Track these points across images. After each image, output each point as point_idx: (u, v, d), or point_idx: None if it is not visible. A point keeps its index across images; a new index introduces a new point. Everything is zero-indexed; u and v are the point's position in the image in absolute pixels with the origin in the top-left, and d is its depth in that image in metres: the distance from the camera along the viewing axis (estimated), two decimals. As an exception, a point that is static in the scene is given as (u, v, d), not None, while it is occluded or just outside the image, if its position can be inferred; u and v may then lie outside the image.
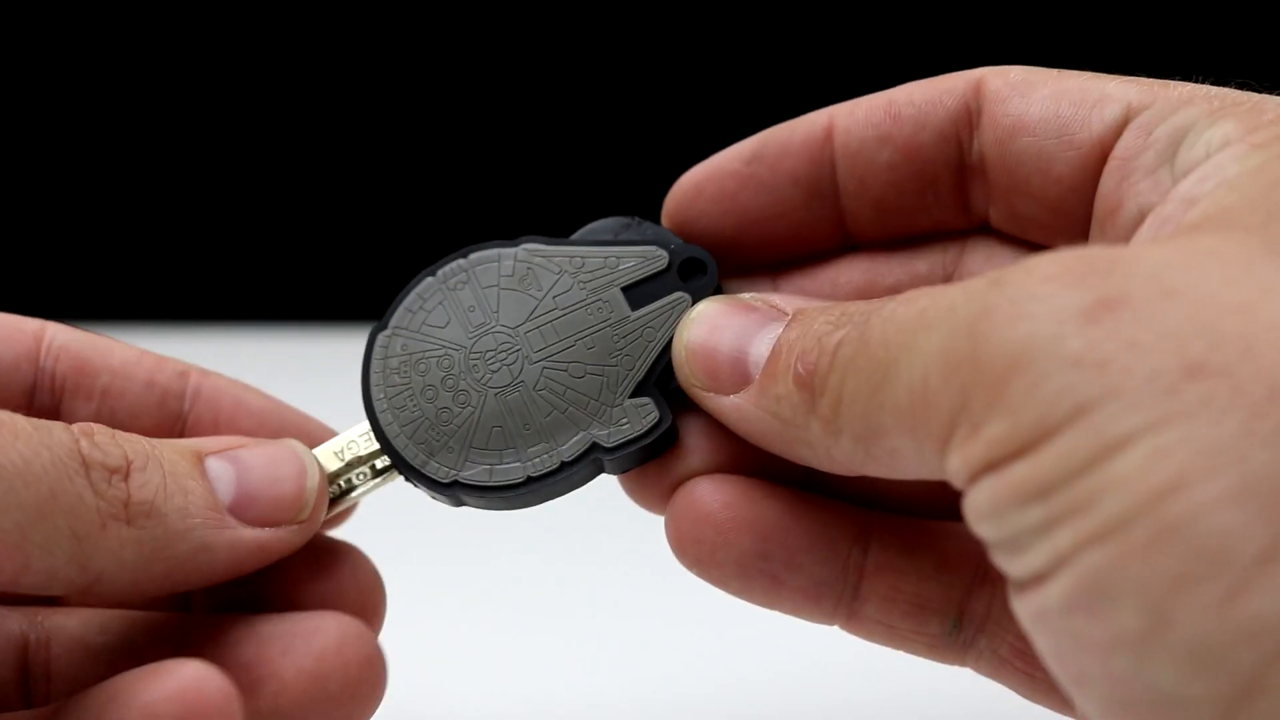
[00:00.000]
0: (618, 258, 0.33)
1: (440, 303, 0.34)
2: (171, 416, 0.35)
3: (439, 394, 0.33)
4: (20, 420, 0.28)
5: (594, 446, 0.32)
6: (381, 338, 0.33)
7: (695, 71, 0.82)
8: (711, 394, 0.31)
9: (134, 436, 0.30)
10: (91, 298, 0.83)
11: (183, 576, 0.30)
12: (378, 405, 0.33)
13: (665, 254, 0.33)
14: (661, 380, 0.32)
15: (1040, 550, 0.23)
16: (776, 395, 0.29)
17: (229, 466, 0.31)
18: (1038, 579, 0.24)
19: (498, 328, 0.33)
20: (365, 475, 0.33)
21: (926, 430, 0.26)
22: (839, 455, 0.28)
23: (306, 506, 0.31)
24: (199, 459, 0.30)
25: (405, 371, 0.33)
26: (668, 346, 0.32)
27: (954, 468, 0.25)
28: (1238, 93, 0.29)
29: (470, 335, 0.33)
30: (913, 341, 0.26)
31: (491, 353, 0.33)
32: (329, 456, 0.33)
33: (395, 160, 0.85)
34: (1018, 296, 0.25)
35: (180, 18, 0.83)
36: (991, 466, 0.24)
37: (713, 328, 0.31)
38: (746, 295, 0.32)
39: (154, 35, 0.83)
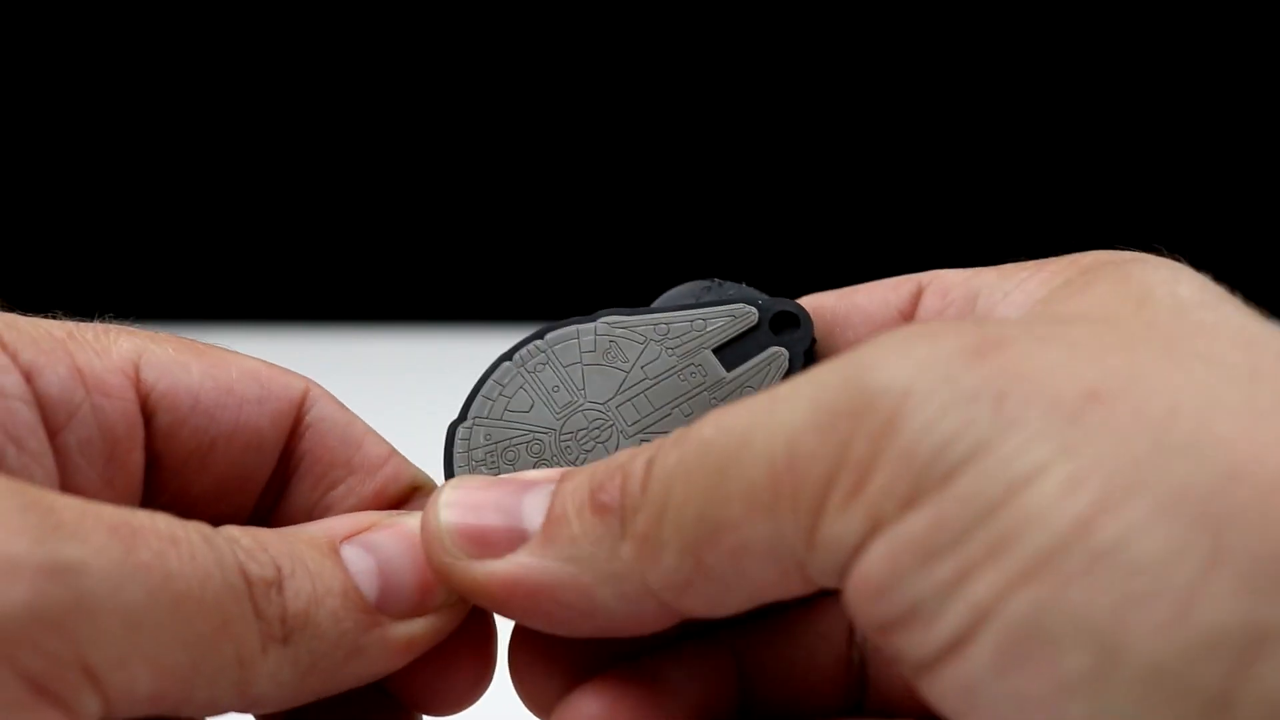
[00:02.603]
0: (704, 319, 0.32)
1: (521, 386, 0.32)
2: None
3: None
4: (193, 533, 0.26)
5: None
6: (461, 430, 0.32)
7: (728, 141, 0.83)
8: (478, 562, 0.27)
9: (270, 535, 0.28)
10: (97, 299, 0.83)
11: (334, 685, 0.28)
12: None
13: (755, 310, 0.32)
14: None
15: (955, 609, 0.22)
16: (570, 536, 0.26)
17: (366, 555, 0.28)
18: (957, 645, 0.22)
19: (586, 405, 0.32)
20: None
21: (793, 503, 0.23)
22: (658, 580, 0.25)
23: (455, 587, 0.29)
24: (334, 550, 0.28)
25: (493, 462, 0.32)
26: None
27: (832, 542, 0.23)
28: (1021, 262, 0.30)
29: (558, 416, 0.32)
30: (769, 417, 0.24)
31: (583, 431, 0.32)
32: None
33: (406, 164, 0.85)
34: (893, 346, 0.24)
35: (200, 22, 0.83)
36: (882, 524, 0.22)
37: (470, 502, 0.28)
38: (503, 475, 0.29)
39: (162, 37, 0.83)
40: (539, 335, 0.32)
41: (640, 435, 0.31)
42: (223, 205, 0.86)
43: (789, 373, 0.31)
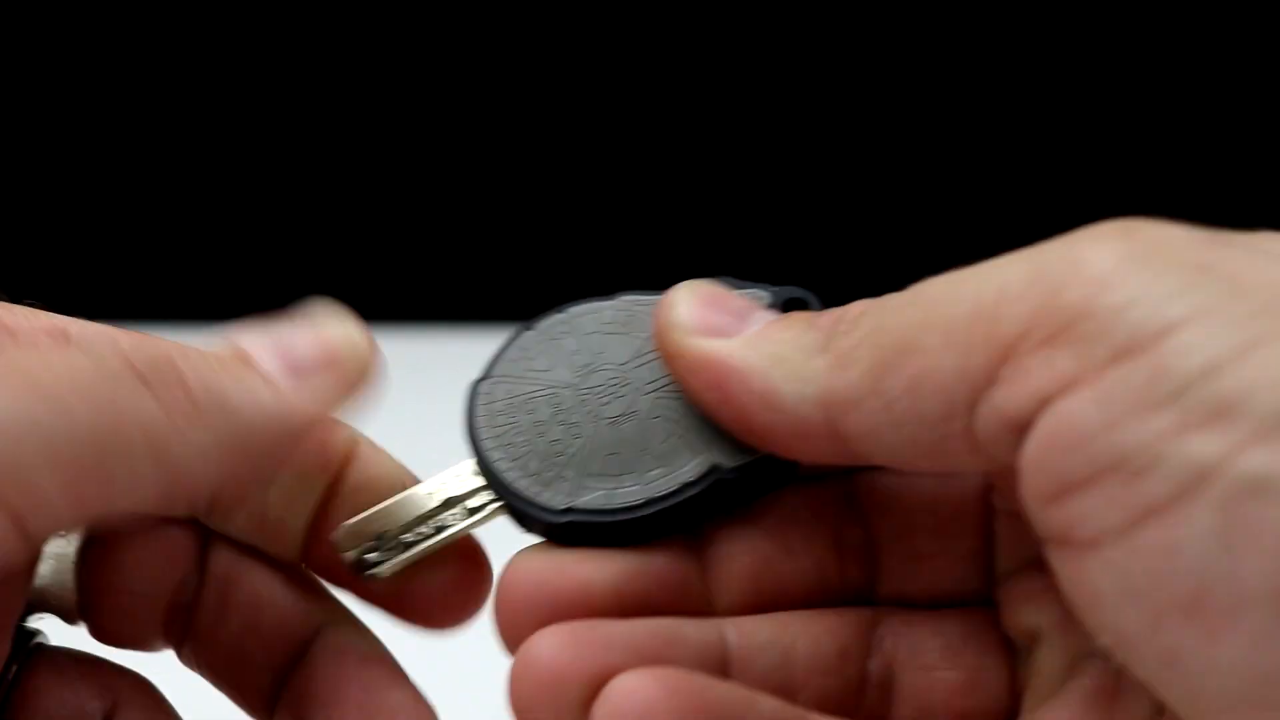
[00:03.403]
0: None
1: (542, 351, 0.34)
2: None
3: (550, 428, 0.32)
4: (62, 339, 0.27)
5: (714, 468, 0.31)
6: (484, 385, 0.33)
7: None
8: (693, 335, 0.30)
9: (149, 337, 0.28)
10: (96, 299, 0.83)
11: (258, 452, 0.29)
12: (485, 445, 0.32)
13: (767, 294, 0.32)
14: None
15: (1174, 463, 0.22)
16: (779, 339, 0.29)
17: (260, 334, 0.30)
18: (1168, 503, 0.22)
19: (605, 366, 0.33)
20: (459, 516, 0.33)
21: (987, 335, 0.24)
22: (837, 391, 0.27)
23: (355, 342, 0.30)
24: (229, 340, 0.29)
25: (511, 413, 0.33)
26: None
27: (1021, 379, 0.23)
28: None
29: (577, 374, 0.33)
30: (985, 268, 0.25)
31: (601, 387, 0.33)
32: (422, 497, 0.33)
33: (402, 162, 0.85)
34: (1118, 225, 0.24)
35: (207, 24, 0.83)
36: (1091, 371, 0.22)
37: (705, 294, 0.31)
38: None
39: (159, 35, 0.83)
40: (560, 310, 0.34)
41: (656, 393, 0.32)
42: (223, 205, 0.85)
43: None
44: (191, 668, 0.33)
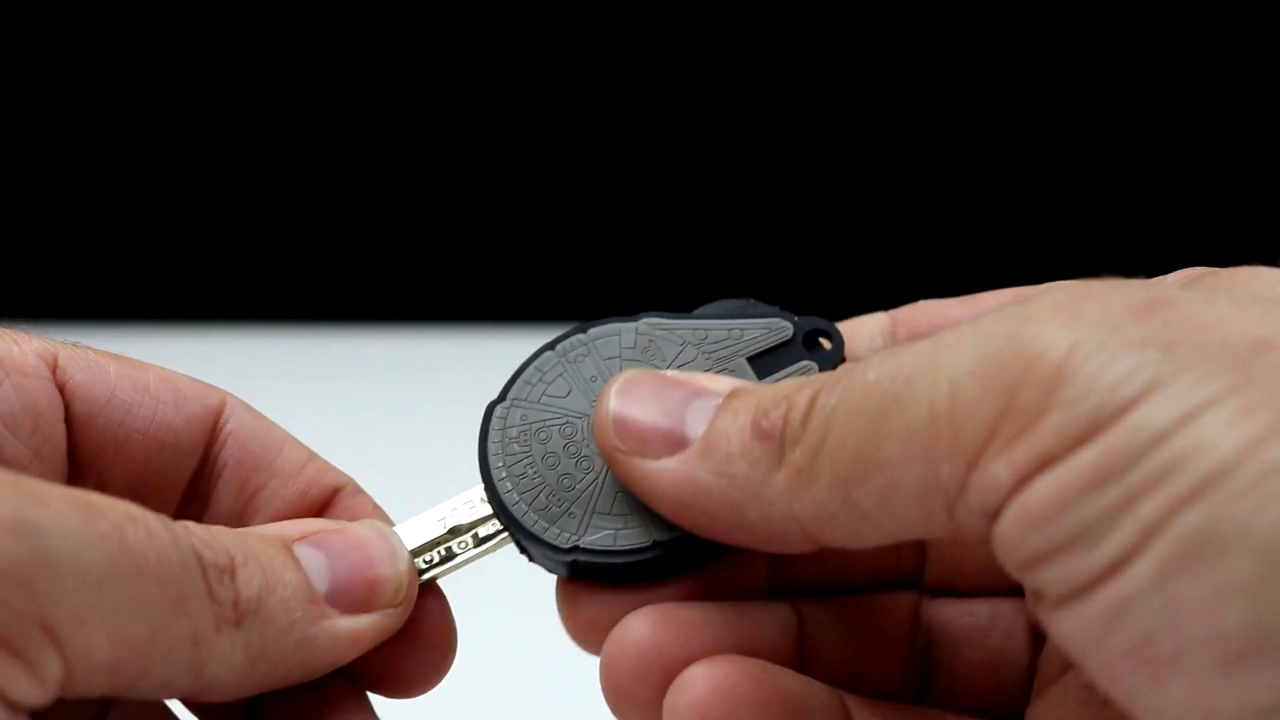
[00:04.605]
0: (741, 329, 0.33)
1: (560, 374, 0.33)
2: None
3: (561, 460, 0.32)
4: (150, 516, 0.27)
5: None
6: (499, 409, 0.33)
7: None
8: (637, 459, 0.29)
9: (223, 529, 0.29)
10: (95, 298, 0.83)
11: (284, 674, 0.29)
12: (496, 474, 0.32)
13: (790, 325, 0.33)
14: None
15: (1123, 529, 0.23)
16: (727, 454, 0.28)
17: (318, 553, 0.30)
18: (1120, 563, 0.23)
19: None
20: (467, 544, 0.32)
21: (951, 446, 0.25)
22: (805, 510, 0.27)
23: (400, 589, 0.31)
24: (287, 547, 0.30)
25: (525, 440, 0.33)
26: None
27: (989, 482, 0.24)
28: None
29: (593, 403, 0.32)
30: (932, 364, 0.25)
31: None
32: (431, 523, 0.33)
33: (402, 162, 0.84)
34: (1062, 302, 0.25)
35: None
36: (1049, 461, 0.23)
37: (639, 397, 0.30)
38: (671, 371, 0.31)
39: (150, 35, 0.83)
40: (581, 329, 0.34)
41: None
42: (216, 205, 0.85)
43: None
44: None
